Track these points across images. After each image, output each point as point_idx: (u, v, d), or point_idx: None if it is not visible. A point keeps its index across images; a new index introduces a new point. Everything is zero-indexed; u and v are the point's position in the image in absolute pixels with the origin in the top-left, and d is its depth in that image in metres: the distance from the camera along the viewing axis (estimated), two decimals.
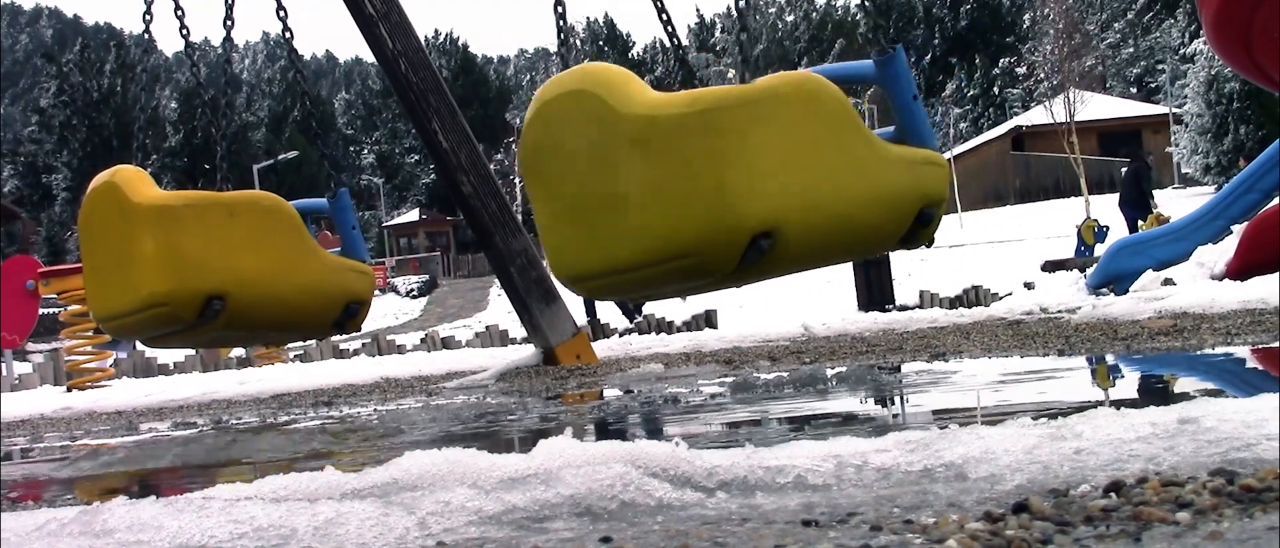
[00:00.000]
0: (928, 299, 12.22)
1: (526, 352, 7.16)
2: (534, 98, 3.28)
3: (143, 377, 9.69)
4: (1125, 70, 66.06)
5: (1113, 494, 1.58)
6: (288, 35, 5.06)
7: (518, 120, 49.33)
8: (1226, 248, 9.15)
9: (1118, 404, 2.38)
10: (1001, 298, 11.89)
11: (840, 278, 12.92)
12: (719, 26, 76.07)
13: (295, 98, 72.57)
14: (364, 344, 11.63)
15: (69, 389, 8.67)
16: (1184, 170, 44.21)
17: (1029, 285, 12.26)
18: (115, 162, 4.87)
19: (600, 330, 10.60)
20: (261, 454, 3.75)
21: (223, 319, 4.28)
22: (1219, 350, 4.39)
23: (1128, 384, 4.00)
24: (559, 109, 3.16)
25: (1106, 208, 24.21)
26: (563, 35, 3.75)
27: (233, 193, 4.67)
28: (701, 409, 3.95)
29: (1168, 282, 9.01)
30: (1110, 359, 4.52)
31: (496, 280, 8.04)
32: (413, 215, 67.68)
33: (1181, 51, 50.68)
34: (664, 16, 4.31)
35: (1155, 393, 3.64)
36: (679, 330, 10.46)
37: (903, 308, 10.81)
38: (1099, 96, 48.88)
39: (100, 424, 5.76)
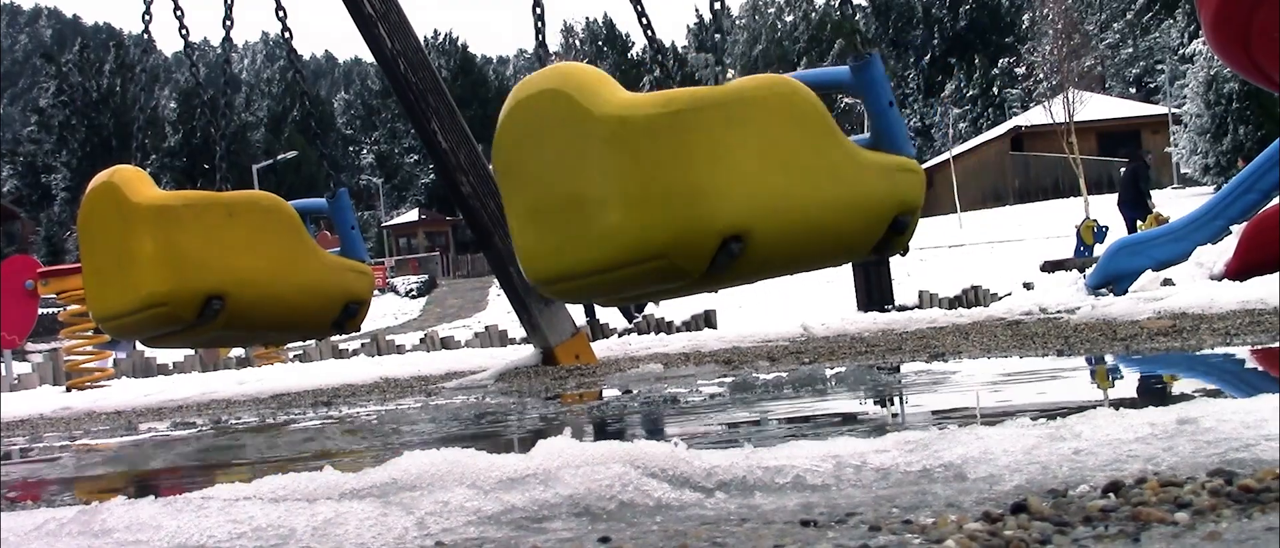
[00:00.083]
0: (927, 299, 12.22)
1: (526, 352, 7.16)
2: (508, 96, 3.24)
3: (142, 377, 9.68)
4: (1124, 70, 66.13)
5: (1111, 495, 1.58)
6: (287, 35, 5.06)
7: None
8: (1226, 248, 9.15)
9: (1117, 405, 2.39)
10: (1001, 298, 11.88)
11: (839, 278, 12.90)
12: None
13: (294, 98, 72.56)
14: (363, 344, 11.62)
15: (68, 389, 8.67)
16: (1183, 171, 44.22)
17: (1028, 286, 12.24)
18: (114, 161, 4.86)
19: (599, 331, 10.59)
20: (260, 454, 3.75)
21: (222, 319, 4.27)
22: (1218, 351, 4.39)
23: (1127, 385, 4.00)
24: (531, 108, 3.13)
25: (1105, 208, 24.20)
26: (540, 35, 3.73)
27: (232, 193, 4.66)
28: (700, 409, 3.95)
29: (1167, 282, 9.01)
30: (1109, 360, 4.52)
31: (496, 280, 8.04)
32: (412, 215, 67.70)
33: (1181, 52, 50.73)
34: (644, 21, 4.31)
35: (1154, 393, 3.64)
36: (678, 331, 10.46)
37: (902, 308, 10.80)
38: (1098, 97, 48.91)
39: (99, 424, 5.76)
